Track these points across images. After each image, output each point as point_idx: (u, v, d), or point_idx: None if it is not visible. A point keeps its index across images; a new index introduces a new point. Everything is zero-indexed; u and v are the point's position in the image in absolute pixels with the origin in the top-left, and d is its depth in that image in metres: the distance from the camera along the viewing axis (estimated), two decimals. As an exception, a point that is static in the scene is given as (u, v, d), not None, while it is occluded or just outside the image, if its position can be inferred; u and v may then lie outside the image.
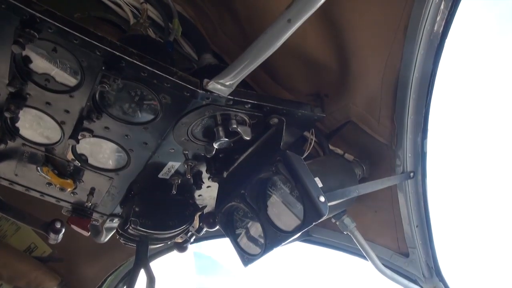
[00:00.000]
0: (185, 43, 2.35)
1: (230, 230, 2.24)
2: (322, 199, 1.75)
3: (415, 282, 2.42)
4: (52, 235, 2.22)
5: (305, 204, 1.78)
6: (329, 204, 1.78)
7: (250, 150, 2.09)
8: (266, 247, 2.01)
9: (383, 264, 2.35)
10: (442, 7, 1.63)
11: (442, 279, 2.34)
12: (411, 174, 2.15)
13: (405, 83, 1.87)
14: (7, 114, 1.84)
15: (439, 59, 1.78)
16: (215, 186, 2.30)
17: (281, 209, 1.97)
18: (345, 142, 2.34)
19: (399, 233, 2.40)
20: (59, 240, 2.27)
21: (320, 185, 1.82)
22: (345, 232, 2.25)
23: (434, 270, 2.35)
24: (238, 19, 2.16)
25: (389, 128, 2.09)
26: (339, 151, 2.35)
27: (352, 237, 2.26)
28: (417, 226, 2.28)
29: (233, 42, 2.33)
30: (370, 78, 1.98)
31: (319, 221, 1.75)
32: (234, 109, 1.84)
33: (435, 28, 1.69)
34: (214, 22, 2.33)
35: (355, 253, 2.66)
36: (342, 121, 2.21)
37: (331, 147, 2.33)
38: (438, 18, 1.66)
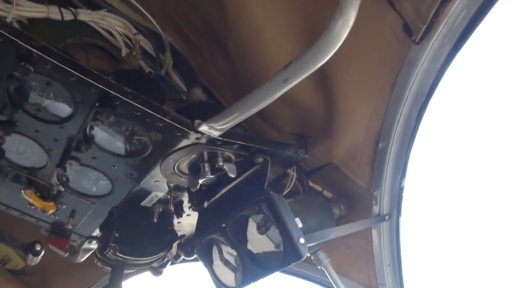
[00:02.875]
0: (175, 74, 2.39)
1: (207, 260, 2.28)
2: (302, 241, 1.82)
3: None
4: (31, 257, 2.21)
5: (285, 244, 1.83)
6: (308, 245, 1.85)
7: (232, 184, 2.15)
8: (244, 281, 2.06)
9: (353, 299, 2.43)
10: (430, 69, 1.71)
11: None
12: (386, 216, 2.24)
13: (387, 134, 1.97)
14: None
15: (423, 115, 1.88)
16: (194, 214, 2.34)
17: (261, 246, 2.03)
18: (325, 180, 2.42)
19: (370, 269, 2.49)
20: (37, 262, 2.26)
21: (300, 225, 1.88)
22: (319, 267, 2.33)
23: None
24: (229, 57, 2.22)
25: (368, 173, 2.18)
26: (318, 188, 2.44)
27: (326, 272, 2.33)
28: (388, 265, 2.38)
29: (223, 77, 2.39)
30: (354, 126, 2.07)
31: (298, 262, 1.81)
32: (222, 149, 1.90)
33: (422, 89, 1.78)
34: (205, 57, 2.38)
35: (327, 286, 2.74)
36: (323, 162, 2.30)
37: (310, 183, 2.41)
38: (425, 80, 1.75)
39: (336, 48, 1.28)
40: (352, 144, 2.15)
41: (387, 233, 2.32)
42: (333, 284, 2.36)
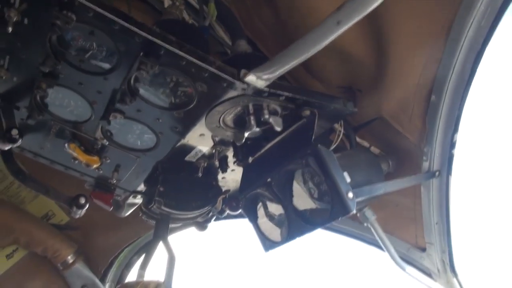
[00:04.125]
0: (219, 27, 2.32)
1: (252, 215, 2.27)
2: (350, 195, 1.77)
3: (429, 275, 2.46)
4: (75, 210, 2.24)
5: (333, 198, 1.79)
6: (356, 200, 1.80)
7: (278, 138, 2.10)
8: (289, 236, 2.04)
9: (399, 257, 2.38)
10: (487, 14, 1.58)
11: (455, 275, 2.38)
12: (437, 173, 2.15)
13: (440, 87, 1.86)
14: (37, 92, 1.83)
15: (478, 65, 1.75)
16: (239, 170, 2.31)
17: (307, 201, 1.99)
18: (372, 136, 2.33)
19: (418, 228, 2.42)
20: (81, 215, 2.30)
21: (348, 180, 1.83)
22: (365, 224, 2.28)
23: (449, 266, 2.39)
24: (275, 7, 2.12)
25: (419, 127, 2.08)
26: (366, 143, 2.35)
27: (372, 229, 2.29)
28: (436, 223, 2.30)
29: (267, 29, 2.30)
30: (406, 78, 1.96)
31: (345, 216, 1.77)
32: (268, 100, 1.84)
33: (478, 35, 1.65)
34: (249, 7, 2.29)
35: (372, 243, 2.70)
36: (372, 116, 2.20)
37: (357, 139, 2.33)
38: (482, 24, 1.62)
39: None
40: (403, 97, 2.04)
41: (436, 190, 2.23)
42: (380, 242, 2.32)
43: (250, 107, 1.87)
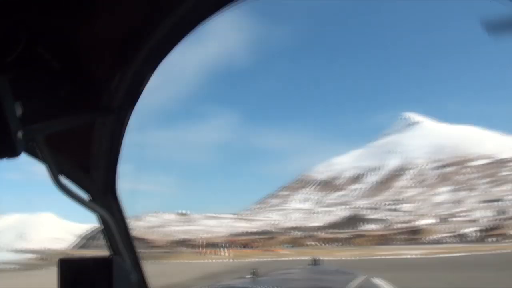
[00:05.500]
0: None
1: None
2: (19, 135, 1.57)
3: (91, 196, 2.53)
4: None
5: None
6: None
7: None
8: None
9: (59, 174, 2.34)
10: None
11: (115, 199, 2.56)
12: (116, 109, 2.17)
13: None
14: None
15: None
16: None
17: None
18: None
19: (89, 152, 2.42)
20: None
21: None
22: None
23: (110, 189, 2.53)
24: None
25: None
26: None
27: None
28: (105, 152, 2.38)
29: None
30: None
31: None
32: None
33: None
34: None
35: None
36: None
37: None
38: None
39: None
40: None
41: (113, 124, 2.26)
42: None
43: None
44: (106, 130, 2.36)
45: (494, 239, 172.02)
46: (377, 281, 5.76)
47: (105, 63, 2.09)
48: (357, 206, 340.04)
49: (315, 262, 7.90)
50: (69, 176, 2.43)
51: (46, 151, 2.05)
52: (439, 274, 32.85)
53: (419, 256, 73.91)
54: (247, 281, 5.12)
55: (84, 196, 2.53)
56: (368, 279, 5.75)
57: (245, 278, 5.37)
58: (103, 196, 2.54)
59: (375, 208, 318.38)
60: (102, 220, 2.49)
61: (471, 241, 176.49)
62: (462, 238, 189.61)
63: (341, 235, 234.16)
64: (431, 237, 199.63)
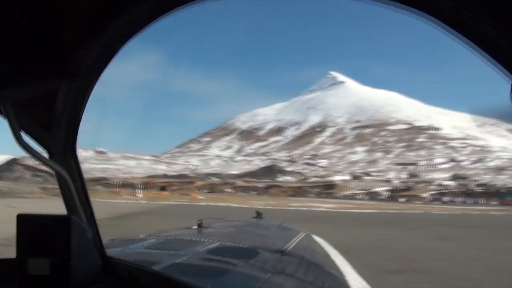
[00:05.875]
0: None
1: None
2: None
3: (50, 154, 2.62)
4: None
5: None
6: None
7: None
8: None
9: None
10: None
11: (74, 158, 2.67)
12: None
13: None
14: None
15: None
16: None
17: None
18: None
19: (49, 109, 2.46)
20: None
21: None
22: None
23: (69, 148, 2.63)
24: None
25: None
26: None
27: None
28: (63, 113, 2.44)
29: None
30: None
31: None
32: None
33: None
34: None
35: None
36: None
37: None
38: None
39: None
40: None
41: (75, 91, 2.36)
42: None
43: None
44: (71, 94, 2.40)
45: (404, 199, 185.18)
46: (316, 237, 6.18)
47: (76, 29, 2.09)
48: (276, 157, 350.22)
49: (258, 216, 8.26)
50: (29, 133, 2.50)
51: (8, 107, 2.11)
52: (348, 229, 34.76)
53: (330, 210, 78.15)
54: (193, 232, 5.30)
55: (43, 153, 2.62)
56: (308, 235, 6.15)
57: (191, 229, 5.57)
58: (62, 155, 2.63)
59: (293, 161, 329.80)
60: (60, 178, 2.61)
61: (383, 200, 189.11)
62: (374, 196, 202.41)
63: (259, 185, 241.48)
64: (344, 193, 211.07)
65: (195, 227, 5.68)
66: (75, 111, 2.52)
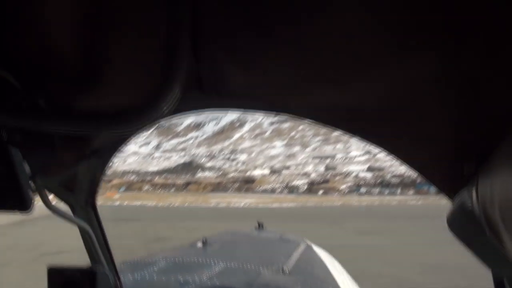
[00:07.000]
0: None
1: None
2: None
3: (73, 211, 2.94)
4: None
5: None
6: None
7: None
8: None
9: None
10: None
11: (95, 211, 3.01)
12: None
13: None
14: None
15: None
16: None
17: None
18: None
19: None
20: None
21: None
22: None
23: (90, 203, 2.97)
24: None
25: None
26: None
27: None
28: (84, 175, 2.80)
29: None
30: None
31: None
32: None
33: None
34: None
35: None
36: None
37: None
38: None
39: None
40: None
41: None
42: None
43: None
44: (92, 165, 2.65)
45: (322, 191, 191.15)
46: (317, 249, 6.44)
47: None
48: (195, 153, 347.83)
49: (259, 227, 8.50)
50: (51, 190, 2.81)
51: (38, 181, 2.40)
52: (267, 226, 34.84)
53: (250, 206, 79.02)
54: (199, 252, 5.49)
55: (65, 209, 2.94)
56: (309, 247, 6.46)
57: (197, 248, 5.75)
58: (84, 210, 2.95)
59: (212, 157, 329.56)
60: (82, 231, 2.94)
61: (302, 193, 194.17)
62: (292, 189, 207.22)
63: (178, 181, 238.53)
64: (263, 187, 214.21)
65: (200, 244, 5.91)
66: (96, 177, 2.85)
